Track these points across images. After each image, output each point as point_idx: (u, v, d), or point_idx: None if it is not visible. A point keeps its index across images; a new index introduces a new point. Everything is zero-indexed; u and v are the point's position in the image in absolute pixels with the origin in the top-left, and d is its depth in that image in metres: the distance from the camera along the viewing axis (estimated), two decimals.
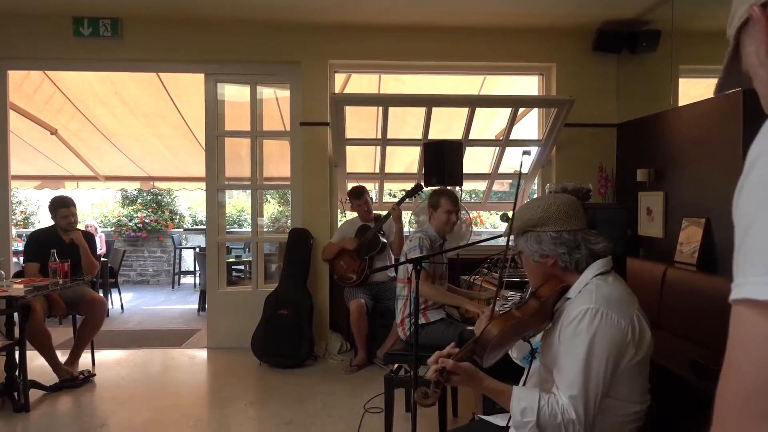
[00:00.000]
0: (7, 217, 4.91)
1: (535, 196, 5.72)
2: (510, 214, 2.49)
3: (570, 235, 1.55)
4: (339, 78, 5.15)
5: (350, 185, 4.99)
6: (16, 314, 3.52)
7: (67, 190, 8.62)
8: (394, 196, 9.91)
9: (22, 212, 10.33)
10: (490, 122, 6.00)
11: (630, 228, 4.38)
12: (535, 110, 5.25)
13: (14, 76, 5.01)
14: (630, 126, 4.70)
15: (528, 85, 5.45)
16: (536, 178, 5.19)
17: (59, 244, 4.07)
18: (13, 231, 7.63)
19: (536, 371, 1.72)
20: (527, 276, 1.69)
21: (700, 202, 3.64)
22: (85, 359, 4.23)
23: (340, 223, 4.97)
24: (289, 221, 5.19)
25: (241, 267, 7.28)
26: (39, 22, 4.55)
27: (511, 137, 4.87)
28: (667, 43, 4.57)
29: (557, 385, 1.48)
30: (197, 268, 8.36)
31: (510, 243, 2.33)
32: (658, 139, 4.23)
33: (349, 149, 4.97)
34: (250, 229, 5.28)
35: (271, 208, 10.31)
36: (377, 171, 5.24)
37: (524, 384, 1.70)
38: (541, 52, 4.86)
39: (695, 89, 5.38)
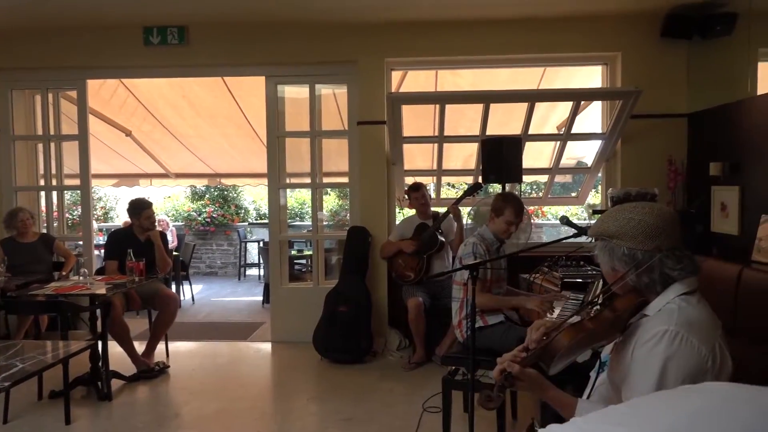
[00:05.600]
0: (89, 219, 5.29)
1: (599, 187, 5.53)
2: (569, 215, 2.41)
3: (644, 255, 1.45)
4: (395, 75, 5.15)
5: (408, 181, 5.02)
6: (98, 309, 3.81)
7: (142, 188, 9.16)
8: (453, 187, 9.88)
9: (102, 208, 11.07)
10: (551, 112, 5.83)
11: (701, 225, 4.17)
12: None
13: (92, 84, 5.35)
14: (702, 116, 4.44)
15: (591, 74, 5.26)
16: (600, 173, 5.01)
17: (135, 243, 4.35)
18: (95, 225, 8.18)
19: (602, 384, 1.68)
20: (606, 277, 1.61)
21: None
22: (159, 350, 4.51)
23: (397, 221, 5.01)
24: (348, 215, 5.28)
25: (303, 261, 7.48)
26: (113, 34, 4.83)
27: (573, 129, 4.72)
28: (744, 25, 4.27)
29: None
30: (261, 261, 8.68)
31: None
32: (734, 130, 3.98)
33: (406, 145, 4.98)
34: (311, 223, 5.43)
35: (331, 201, 10.50)
36: (435, 167, 5.23)
37: (588, 396, 1.67)
38: (605, 41, 4.66)
39: None
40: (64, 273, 4.69)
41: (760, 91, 4.01)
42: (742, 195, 3.81)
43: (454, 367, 3.06)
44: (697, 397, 0.87)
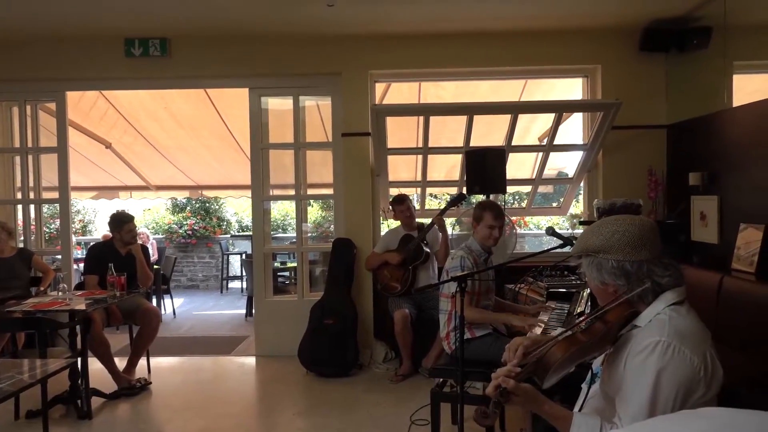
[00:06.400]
0: (69, 233, 5.18)
1: (580, 197, 5.61)
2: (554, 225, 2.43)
3: (633, 266, 1.47)
4: (379, 86, 5.17)
5: (392, 192, 5.03)
6: (78, 325, 3.71)
7: (121, 200, 9.01)
8: (435, 197, 9.91)
9: (80, 221, 10.86)
10: (532, 124, 5.90)
11: (682, 234, 4.24)
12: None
13: (71, 95, 5.28)
14: (681, 127, 4.53)
15: (572, 86, 5.34)
16: (582, 183, 5.07)
17: (116, 257, 4.27)
18: (73, 239, 8.03)
19: (594, 396, 1.68)
20: (594, 293, 1.63)
21: (759, 207, 3.48)
22: (141, 366, 4.41)
23: (382, 232, 5.00)
24: (332, 226, 5.27)
25: (286, 273, 7.42)
26: (93, 45, 4.77)
27: (556, 140, 4.77)
28: (719, 39, 4.38)
29: (620, 415, 1.44)
30: (244, 274, 8.58)
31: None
32: (712, 141, 4.06)
33: (389, 157, 4.98)
34: (294, 234, 5.37)
35: (314, 213, 10.45)
36: (419, 179, 5.24)
37: (581, 407, 1.67)
38: (586, 54, 4.75)
39: (751, 84, 5.14)
40: (42, 288, 4.58)
41: (736, 103, 4.10)
42: (721, 204, 3.88)
43: (442, 379, 3.05)
44: (697, 424, 0.88)
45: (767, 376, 2.45)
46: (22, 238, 5.30)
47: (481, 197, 4.42)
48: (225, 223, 10.58)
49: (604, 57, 4.72)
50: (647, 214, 4.45)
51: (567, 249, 2.77)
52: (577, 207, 7.60)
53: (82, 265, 6.12)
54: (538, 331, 2.82)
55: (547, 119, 5.29)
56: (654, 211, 4.56)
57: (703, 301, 3.40)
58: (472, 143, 4.73)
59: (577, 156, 5.00)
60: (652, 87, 4.69)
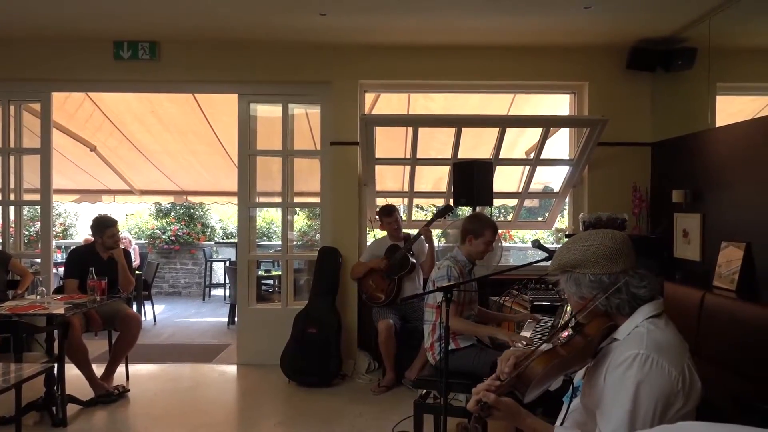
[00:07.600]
0: (49, 236, 5.09)
1: (565, 212, 5.66)
2: (541, 237, 2.44)
3: (610, 278, 1.49)
4: (368, 96, 5.19)
5: (379, 202, 5.02)
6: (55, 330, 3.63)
7: (104, 204, 8.89)
8: (421, 209, 9.94)
9: (61, 224, 10.69)
10: (519, 138, 5.96)
11: (664, 251, 4.29)
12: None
13: (57, 96, 5.21)
14: (665, 145, 4.61)
15: (559, 101, 5.40)
16: (567, 198, 5.12)
17: (98, 261, 4.20)
18: (53, 242, 7.89)
19: (575, 410, 1.68)
20: (573, 308, 1.65)
21: (740, 225, 3.54)
22: (119, 373, 4.33)
23: (369, 242, 4.98)
24: (318, 235, 5.24)
25: (270, 281, 7.35)
26: (81, 47, 4.73)
27: (543, 154, 4.82)
28: (703, 60, 4.47)
29: (600, 429, 1.45)
30: (227, 281, 8.49)
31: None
32: (696, 160, 4.13)
33: (378, 166, 4.99)
34: (279, 242, 5.33)
35: (300, 221, 10.41)
36: (406, 189, 5.25)
37: (563, 421, 1.67)
38: (573, 71, 4.81)
39: (733, 105, 5.25)
40: (19, 291, 4.48)
41: (719, 123, 4.18)
42: (704, 222, 3.94)
43: (425, 391, 3.03)
44: None
45: (747, 393, 2.47)
46: (0, 240, 5.19)
47: (467, 209, 4.44)
48: (209, 229, 10.48)
49: (592, 74, 4.79)
50: (631, 230, 4.50)
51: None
52: (562, 222, 7.67)
53: (61, 269, 6.01)
54: (522, 343, 2.82)
55: (534, 134, 5.35)
56: (638, 227, 4.61)
57: (685, 318, 3.43)
58: (460, 155, 4.76)
59: (563, 171, 5.05)
60: (638, 105, 4.77)
